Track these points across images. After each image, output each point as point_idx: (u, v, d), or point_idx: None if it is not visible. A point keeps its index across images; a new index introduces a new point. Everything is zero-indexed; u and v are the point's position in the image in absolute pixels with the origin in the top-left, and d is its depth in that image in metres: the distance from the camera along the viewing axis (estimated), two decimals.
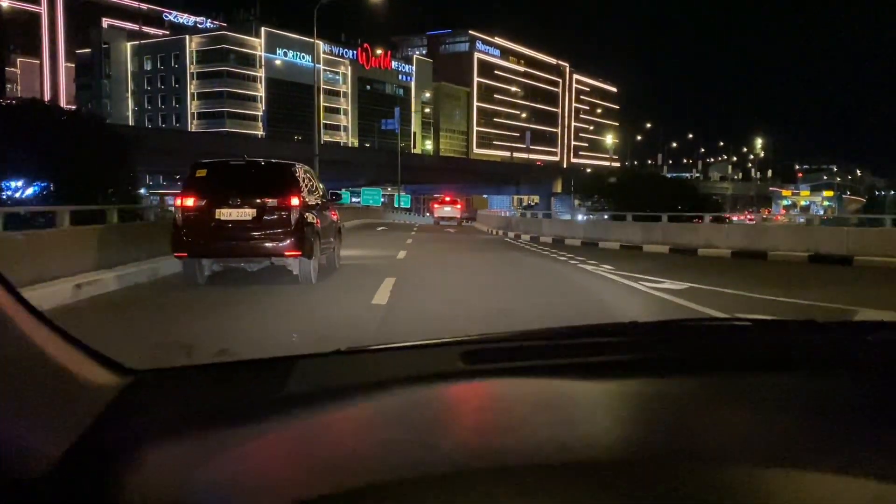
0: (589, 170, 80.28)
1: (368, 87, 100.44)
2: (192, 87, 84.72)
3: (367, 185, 54.19)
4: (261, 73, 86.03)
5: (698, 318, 2.32)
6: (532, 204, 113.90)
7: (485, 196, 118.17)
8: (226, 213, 8.68)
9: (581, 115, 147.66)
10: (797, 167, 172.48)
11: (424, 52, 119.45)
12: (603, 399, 1.02)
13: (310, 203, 9.34)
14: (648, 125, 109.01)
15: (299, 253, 8.72)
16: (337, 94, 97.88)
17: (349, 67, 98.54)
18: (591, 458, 0.74)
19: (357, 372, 1.14)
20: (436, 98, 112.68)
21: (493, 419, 0.94)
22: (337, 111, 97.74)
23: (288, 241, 8.67)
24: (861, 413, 0.95)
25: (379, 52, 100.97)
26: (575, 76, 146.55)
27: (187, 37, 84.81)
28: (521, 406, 0.99)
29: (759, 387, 1.06)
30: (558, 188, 74.41)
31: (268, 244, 8.72)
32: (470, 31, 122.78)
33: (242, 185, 8.86)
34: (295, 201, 8.79)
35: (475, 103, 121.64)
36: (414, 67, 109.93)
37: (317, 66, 33.45)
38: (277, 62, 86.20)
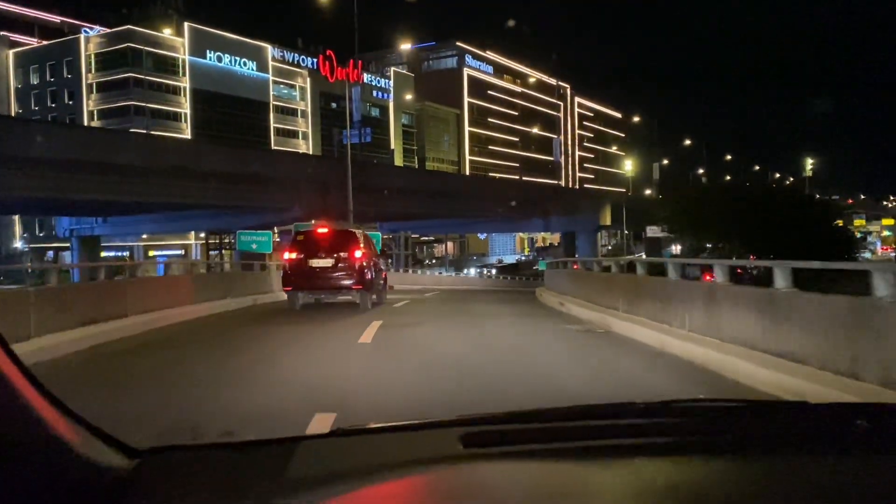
0: (648, 192, 58.85)
1: (334, 104, 78.58)
2: (89, 104, 63.18)
3: (295, 222, 26.81)
4: (185, 84, 64.85)
5: (693, 399, 2.28)
6: (543, 245, 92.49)
7: (480, 236, 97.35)
8: (316, 262, 13.90)
9: (585, 144, 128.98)
10: (835, 197, 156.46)
11: (405, 69, 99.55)
12: (606, 483, 1.00)
13: (366, 255, 14.35)
14: (688, 141, 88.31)
15: (361, 287, 13.89)
16: (293, 112, 76.30)
17: (308, 80, 77.09)
18: None
19: (358, 454, 1.12)
20: (420, 120, 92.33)
21: None
22: (294, 134, 76.16)
23: (353, 280, 13.81)
24: (850, 494, 0.95)
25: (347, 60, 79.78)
26: (577, 100, 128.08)
27: (82, 37, 63.33)
28: (524, 491, 0.97)
29: (753, 470, 1.05)
30: (606, 219, 52.23)
31: (342, 282, 13.85)
32: (457, 44, 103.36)
33: (326, 243, 14.12)
34: (358, 254, 13.96)
35: (466, 128, 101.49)
36: (392, 82, 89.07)
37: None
38: (207, 69, 65.04)
